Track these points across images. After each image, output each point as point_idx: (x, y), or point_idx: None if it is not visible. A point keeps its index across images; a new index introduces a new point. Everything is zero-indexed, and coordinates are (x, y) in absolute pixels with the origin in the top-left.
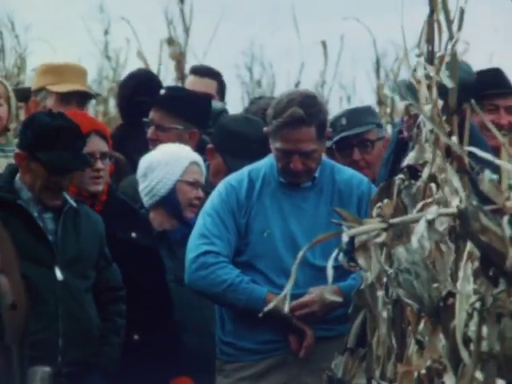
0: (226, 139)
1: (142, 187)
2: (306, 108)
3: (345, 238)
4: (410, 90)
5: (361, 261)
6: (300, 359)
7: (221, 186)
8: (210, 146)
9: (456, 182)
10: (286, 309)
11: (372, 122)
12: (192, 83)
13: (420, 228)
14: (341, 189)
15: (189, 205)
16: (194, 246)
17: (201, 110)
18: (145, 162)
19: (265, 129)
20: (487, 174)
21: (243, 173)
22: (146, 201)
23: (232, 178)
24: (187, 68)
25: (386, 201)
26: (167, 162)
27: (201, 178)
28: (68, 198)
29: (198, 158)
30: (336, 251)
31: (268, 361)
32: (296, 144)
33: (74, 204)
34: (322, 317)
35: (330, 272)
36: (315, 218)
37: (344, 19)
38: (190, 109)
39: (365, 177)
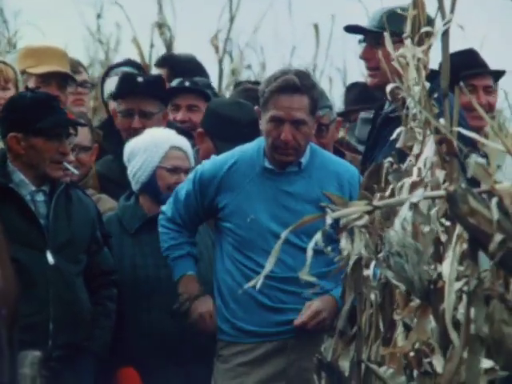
0: (216, 123)
1: (128, 172)
2: (300, 78)
3: (328, 220)
4: (394, 18)
5: (343, 243)
6: (299, 344)
7: (207, 161)
8: (199, 130)
9: (444, 164)
10: (258, 286)
11: (326, 105)
12: None
13: (404, 211)
14: (333, 178)
15: (169, 190)
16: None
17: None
18: (128, 147)
19: (256, 107)
20: (475, 157)
21: (232, 154)
22: (133, 186)
23: (219, 157)
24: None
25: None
26: (146, 148)
27: (184, 163)
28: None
29: (180, 142)
30: (318, 233)
31: (267, 345)
32: (288, 111)
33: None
34: (332, 323)
35: (309, 253)
36: (303, 202)
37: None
38: (163, 90)
39: (355, 168)
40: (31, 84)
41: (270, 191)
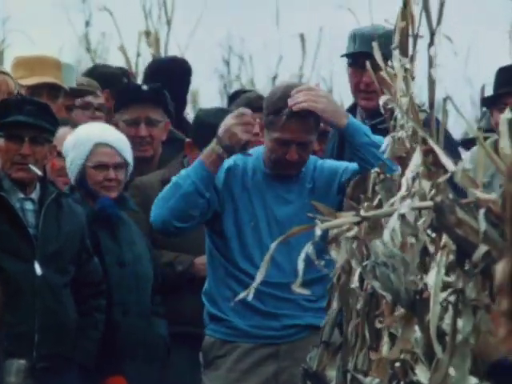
0: (204, 133)
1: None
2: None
3: (318, 232)
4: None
5: (333, 253)
6: (292, 351)
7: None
8: (188, 140)
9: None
10: (250, 296)
11: None
12: None
13: (392, 222)
14: (320, 179)
15: (100, 187)
16: None
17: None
18: (66, 142)
19: (258, 120)
20: (461, 167)
21: (232, 159)
22: (71, 181)
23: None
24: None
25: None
26: (73, 146)
27: (111, 159)
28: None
29: (107, 138)
30: (308, 245)
31: (260, 351)
32: (297, 134)
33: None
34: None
35: (300, 266)
36: (298, 209)
37: (339, 7)
38: (167, 99)
39: (344, 163)
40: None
41: (270, 197)
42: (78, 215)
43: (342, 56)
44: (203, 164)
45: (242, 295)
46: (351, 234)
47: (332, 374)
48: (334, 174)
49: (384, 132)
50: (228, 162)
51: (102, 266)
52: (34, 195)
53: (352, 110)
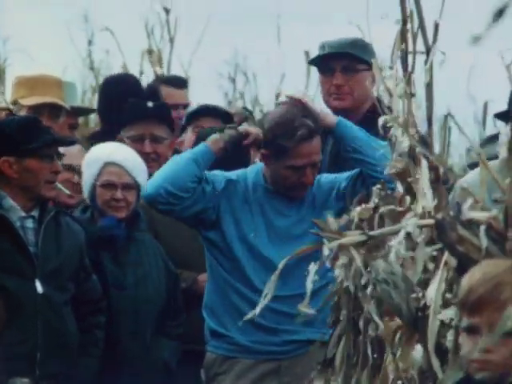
0: None
1: None
2: (310, 119)
3: (325, 252)
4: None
5: (337, 272)
6: (293, 367)
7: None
8: None
9: (431, 192)
10: (257, 312)
11: None
12: (168, 94)
13: (399, 239)
14: (320, 194)
15: (108, 207)
16: None
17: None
18: (83, 162)
19: (263, 151)
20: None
21: (233, 173)
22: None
23: (222, 173)
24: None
25: (358, 209)
26: (86, 165)
27: (120, 178)
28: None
29: (117, 157)
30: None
31: (261, 367)
32: (310, 157)
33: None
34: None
35: (309, 287)
36: (298, 222)
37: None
38: (170, 116)
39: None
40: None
41: (270, 210)
42: (76, 233)
43: (311, 63)
44: (205, 144)
45: (249, 315)
46: (357, 252)
47: None
48: (332, 185)
49: None
50: (229, 175)
51: (102, 287)
52: (35, 212)
53: None
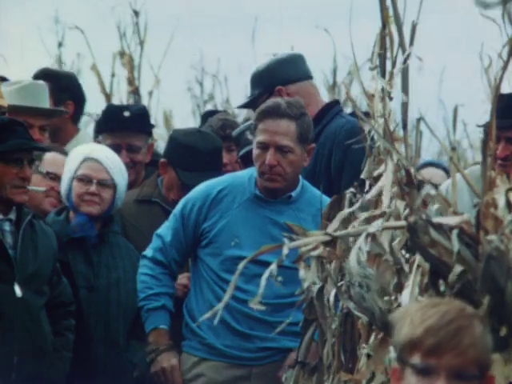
0: (179, 153)
1: None
2: (289, 104)
3: (285, 251)
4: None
5: (301, 273)
6: (264, 373)
7: (193, 190)
8: (162, 160)
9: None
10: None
11: None
12: None
13: (360, 241)
14: (318, 215)
15: (81, 201)
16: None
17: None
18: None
19: (249, 136)
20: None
21: (223, 179)
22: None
23: (210, 181)
24: (141, 81)
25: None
26: (67, 161)
27: (97, 174)
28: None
29: (98, 154)
30: (274, 264)
31: (233, 371)
32: (273, 135)
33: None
34: None
35: (262, 283)
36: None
37: (316, 27)
38: (149, 123)
39: None
40: None
41: (258, 218)
42: (49, 237)
43: (240, 107)
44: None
45: (207, 315)
46: (317, 252)
47: None
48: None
49: (360, 152)
50: (219, 183)
51: (72, 289)
52: (12, 216)
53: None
